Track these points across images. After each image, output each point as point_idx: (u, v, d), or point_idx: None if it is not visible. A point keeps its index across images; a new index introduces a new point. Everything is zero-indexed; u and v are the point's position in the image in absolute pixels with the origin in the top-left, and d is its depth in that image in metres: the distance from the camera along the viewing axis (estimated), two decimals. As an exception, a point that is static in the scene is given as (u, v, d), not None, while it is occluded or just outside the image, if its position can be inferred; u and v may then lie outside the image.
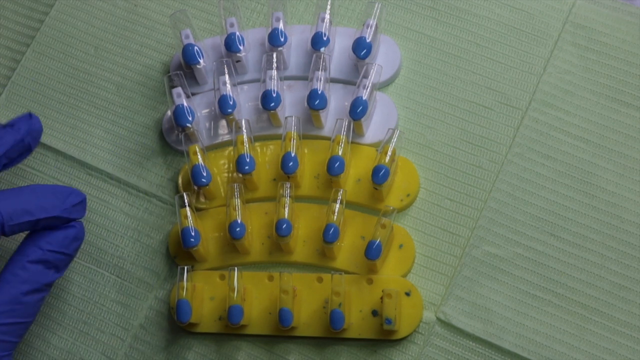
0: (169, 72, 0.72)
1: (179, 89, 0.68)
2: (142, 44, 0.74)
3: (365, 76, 0.66)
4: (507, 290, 0.64)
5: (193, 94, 0.70)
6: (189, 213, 0.66)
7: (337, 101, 0.69)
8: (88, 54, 0.75)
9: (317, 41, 0.67)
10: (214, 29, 0.74)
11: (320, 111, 0.66)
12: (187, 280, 0.65)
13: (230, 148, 0.69)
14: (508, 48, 0.69)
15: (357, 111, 0.65)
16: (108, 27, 0.75)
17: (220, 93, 0.67)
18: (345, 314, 0.63)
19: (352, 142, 0.66)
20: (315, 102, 0.65)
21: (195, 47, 0.68)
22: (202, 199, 0.68)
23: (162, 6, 0.75)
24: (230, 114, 0.67)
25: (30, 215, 0.61)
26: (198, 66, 0.69)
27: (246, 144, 0.66)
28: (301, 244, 0.67)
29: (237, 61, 0.69)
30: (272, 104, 0.66)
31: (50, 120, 0.74)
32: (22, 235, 0.64)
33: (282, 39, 0.68)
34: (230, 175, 0.69)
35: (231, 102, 0.67)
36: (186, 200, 0.66)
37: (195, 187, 0.67)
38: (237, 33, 0.68)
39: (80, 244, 0.64)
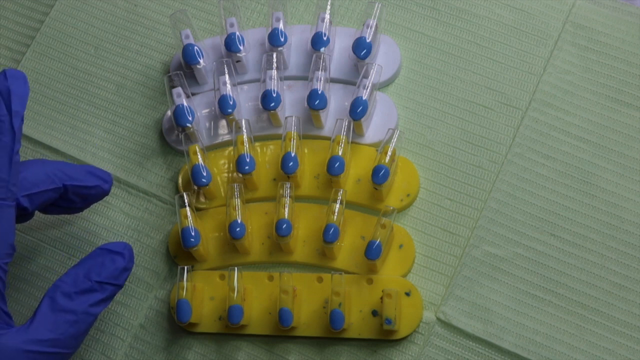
0: (169, 72, 0.72)
1: (179, 89, 0.68)
2: (142, 44, 0.74)
3: (365, 76, 0.66)
4: (507, 290, 0.64)
5: (193, 94, 0.70)
6: (189, 213, 0.66)
7: (337, 101, 0.69)
8: (88, 54, 0.75)
9: (317, 41, 0.67)
10: (214, 29, 0.74)
11: (320, 111, 0.66)
12: (187, 280, 0.65)
13: (230, 148, 0.69)
14: (508, 48, 0.69)
15: (357, 111, 0.65)
16: (108, 27, 0.75)
17: (220, 93, 0.67)
18: (345, 314, 0.63)
19: (352, 142, 0.66)
20: (315, 102, 0.66)
21: (195, 47, 0.68)
22: (202, 199, 0.68)
23: (162, 6, 0.75)
24: (230, 114, 0.67)
25: (51, 182, 0.60)
26: (198, 66, 0.69)
27: (246, 144, 0.66)
28: (301, 244, 0.67)
29: (237, 61, 0.69)
30: (272, 104, 0.66)
31: (50, 120, 0.74)
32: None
33: (282, 39, 0.68)
34: (230, 175, 0.69)
35: (231, 102, 0.67)
36: (186, 200, 0.66)
37: (195, 187, 0.67)
38: (237, 33, 0.68)
39: (130, 273, 0.62)
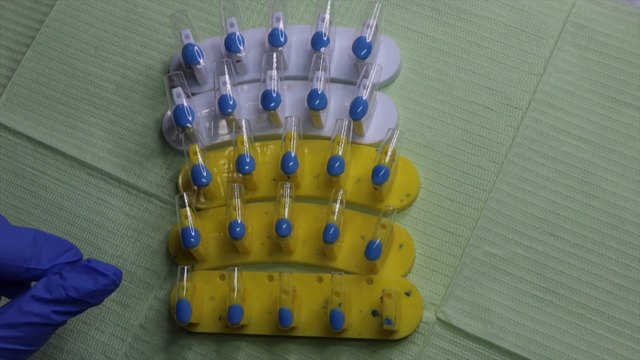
0: (169, 72, 0.72)
1: (179, 89, 0.68)
2: (142, 44, 0.74)
3: (365, 76, 0.66)
4: (507, 290, 0.64)
5: (193, 94, 0.70)
6: (189, 213, 0.66)
7: (337, 101, 0.69)
8: (88, 54, 0.75)
9: (317, 41, 0.67)
10: (214, 29, 0.74)
11: (320, 111, 0.66)
12: (187, 280, 0.65)
13: (230, 148, 0.69)
14: (508, 48, 0.69)
15: (357, 111, 0.65)
16: (108, 27, 0.75)
17: (220, 93, 0.67)
18: (345, 314, 0.63)
19: (352, 142, 0.66)
20: (315, 102, 0.65)
21: (195, 47, 0.68)
22: (202, 199, 0.68)
23: (162, 6, 0.75)
24: (230, 114, 0.67)
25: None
26: (198, 66, 0.69)
27: (246, 144, 0.66)
28: (301, 244, 0.67)
29: (237, 61, 0.69)
30: (272, 104, 0.66)
31: (50, 120, 0.74)
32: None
33: (282, 39, 0.68)
34: (230, 175, 0.69)
35: (231, 102, 0.67)
36: (186, 200, 0.66)
37: (195, 187, 0.67)
38: (237, 33, 0.68)
39: (109, 296, 0.61)
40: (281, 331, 0.65)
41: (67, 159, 0.73)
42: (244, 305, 0.64)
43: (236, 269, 0.65)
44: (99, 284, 0.59)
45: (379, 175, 0.64)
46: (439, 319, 0.65)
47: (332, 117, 0.68)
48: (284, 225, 0.64)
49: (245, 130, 0.67)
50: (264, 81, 0.67)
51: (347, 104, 0.66)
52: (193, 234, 0.65)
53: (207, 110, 0.70)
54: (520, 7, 0.70)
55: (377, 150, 0.66)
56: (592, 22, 0.69)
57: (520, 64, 0.69)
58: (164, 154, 0.71)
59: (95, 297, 0.60)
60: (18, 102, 0.75)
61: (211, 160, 0.69)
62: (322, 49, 0.67)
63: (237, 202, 0.66)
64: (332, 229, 0.64)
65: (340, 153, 0.65)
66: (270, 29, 0.68)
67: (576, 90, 0.68)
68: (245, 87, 0.70)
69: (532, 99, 0.68)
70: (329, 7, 0.68)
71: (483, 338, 0.64)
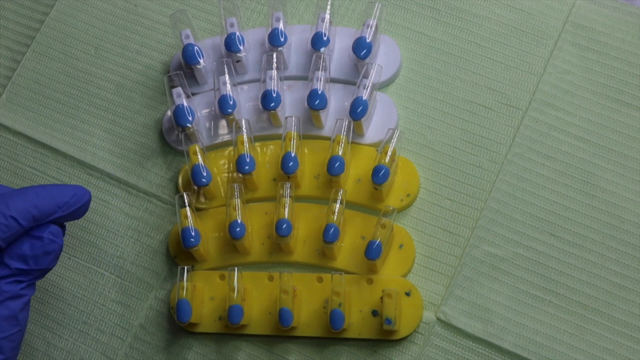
0: (169, 72, 0.72)
1: (179, 89, 0.68)
2: (142, 44, 0.74)
3: (365, 76, 0.66)
4: (507, 290, 0.64)
5: (193, 94, 0.70)
6: (189, 213, 0.66)
7: (337, 101, 0.69)
8: (88, 54, 0.75)
9: (317, 41, 0.67)
10: (214, 29, 0.74)
11: (320, 111, 0.66)
12: (187, 280, 0.65)
13: (230, 148, 0.69)
14: (508, 48, 0.69)
15: (357, 111, 0.65)
16: (108, 27, 0.75)
17: (220, 93, 0.67)
18: (345, 314, 0.63)
19: (352, 142, 0.66)
20: (315, 102, 0.66)
21: (195, 47, 0.68)
22: (202, 199, 0.68)
23: (162, 6, 0.75)
24: (230, 114, 0.67)
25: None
26: (198, 66, 0.69)
27: (246, 144, 0.66)
28: (301, 244, 0.67)
29: (237, 61, 0.69)
30: (272, 104, 0.66)
31: (50, 120, 0.74)
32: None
33: (282, 39, 0.68)
34: (230, 175, 0.69)
35: (231, 102, 0.67)
36: (186, 200, 0.66)
37: (195, 187, 0.67)
38: (237, 33, 0.68)
39: (57, 255, 0.61)
40: (281, 331, 0.65)
41: (67, 159, 0.73)
42: (244, 305, 0.64)
43: (236, 269, 0.65)
44: (35, 248, 0.59)
45: (379, 175, 0.64)
46: (439, 319, 0.65)
47: (332, 117, 0.68)
48: (284, 225, 0.64)
49: (245, 130, 0.67)
50: (264, 81, 0.67)
51: (347, 104, 0.66)
52: (193, 234, 0.65)
53: (207, 110, 0.70)
54: (520, 7, 0.70)
55: (377, 150, 0.66)
56: (592, 22, 0.69)
57: (520, 64, 0.69)
58: (164, 154, 0.71)
59: (40, 262, 0.59)
60: (18, 102, 0.75)
61: (211, 160, 0.69)
62: (322, 49, 0.67)
63: (237, 202, 0.66)
64: (332, 229, 0.64)
65: (340, 153, 0.65)
66: (270, 29, 0.68)
67: (576, 90, 0.68)
68: (245, 87, 0.70)
69: (532, 99, 0.68)
70: (329, 7, 0.68)
71: (483, 338, 0.64)
